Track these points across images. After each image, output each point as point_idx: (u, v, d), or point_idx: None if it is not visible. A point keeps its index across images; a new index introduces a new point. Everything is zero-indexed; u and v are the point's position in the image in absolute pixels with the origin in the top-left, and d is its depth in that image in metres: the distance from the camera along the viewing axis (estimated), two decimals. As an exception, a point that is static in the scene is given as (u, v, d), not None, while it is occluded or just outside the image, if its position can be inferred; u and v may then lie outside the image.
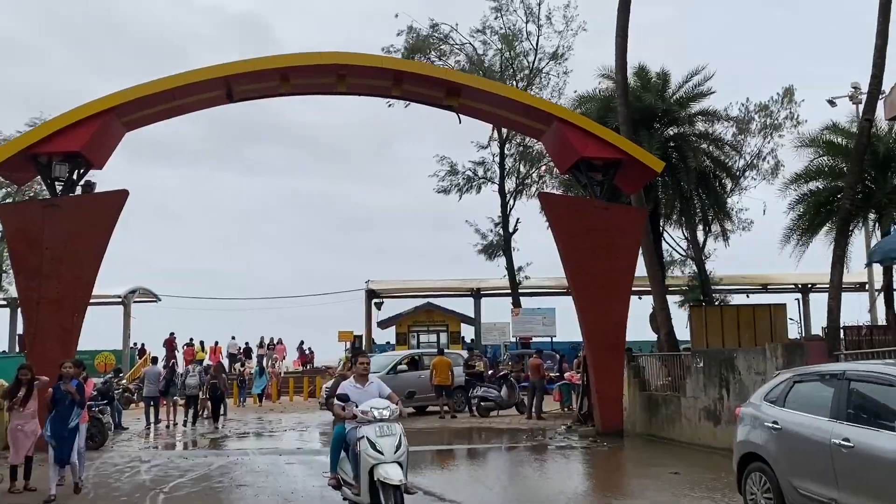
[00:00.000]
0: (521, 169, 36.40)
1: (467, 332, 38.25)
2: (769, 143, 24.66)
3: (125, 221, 18.36)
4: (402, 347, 35.51)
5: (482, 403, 21.01)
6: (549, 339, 36.51)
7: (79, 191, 15.69)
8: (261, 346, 37.85)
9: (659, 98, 20.13)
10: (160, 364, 25.23)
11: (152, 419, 21.49)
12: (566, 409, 22.01)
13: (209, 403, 22.07)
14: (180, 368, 25.36)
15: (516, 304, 36.16)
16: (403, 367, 22.29)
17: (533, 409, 20.20)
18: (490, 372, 26.11)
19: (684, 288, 34.33)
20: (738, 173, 22.76)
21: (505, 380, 21.85)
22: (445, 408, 20.96)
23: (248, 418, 23.66)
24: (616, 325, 16.26)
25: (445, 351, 23.30)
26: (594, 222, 16.19)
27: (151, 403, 21.53)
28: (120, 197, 15.49)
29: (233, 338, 38.26)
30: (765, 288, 40.59)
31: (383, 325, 36.97)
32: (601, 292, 16.07)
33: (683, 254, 27.78)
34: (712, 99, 20.70)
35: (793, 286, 40.19)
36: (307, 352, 42.56)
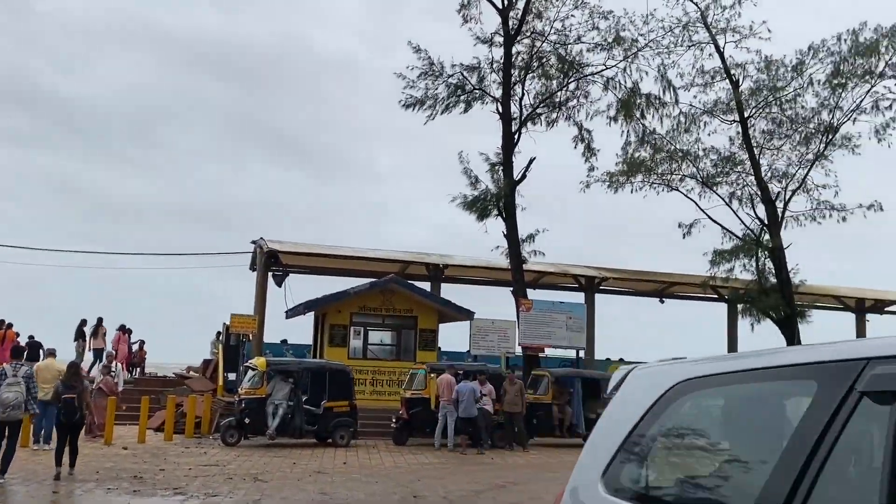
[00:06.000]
0: (546, 81, 23.40)
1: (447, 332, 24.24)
2: None
3: None
4: (335, 350, 20.83)
5: None
6: (574, 353, 23.48)
7: None
8: (79, 334, 21.06)
9: None
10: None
11: None
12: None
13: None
14: None
15: (521, 292, 22.74)
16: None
17: None
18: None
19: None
20: None
21: None
22: None
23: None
24: None
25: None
26: None
27: None
28: None
29: None
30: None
31: (299, 310, 21.75)
32: None
33: None
34: None
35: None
36: (134, 347, 25.82)
